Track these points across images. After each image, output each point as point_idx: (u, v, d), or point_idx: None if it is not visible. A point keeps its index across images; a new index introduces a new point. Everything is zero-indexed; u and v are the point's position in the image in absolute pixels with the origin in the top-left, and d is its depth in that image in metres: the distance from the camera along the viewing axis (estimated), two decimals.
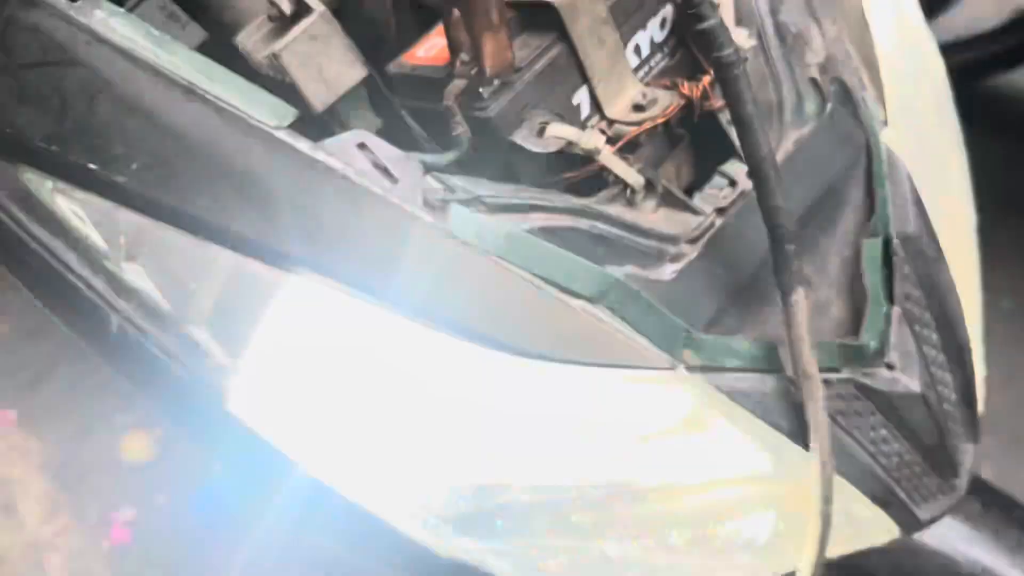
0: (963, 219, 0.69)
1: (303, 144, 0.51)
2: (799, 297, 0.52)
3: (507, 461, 0.55)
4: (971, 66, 1.74)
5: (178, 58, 0.51)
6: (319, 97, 0.54)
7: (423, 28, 0.63)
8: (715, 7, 0.53)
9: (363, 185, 0.50)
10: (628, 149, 0.58)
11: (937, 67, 0.70)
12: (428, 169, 0.53)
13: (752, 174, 0.51)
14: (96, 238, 0.54)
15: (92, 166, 0.51)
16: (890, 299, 0.59)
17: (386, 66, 0.61)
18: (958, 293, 0.63)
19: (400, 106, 0.60)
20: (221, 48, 0.59)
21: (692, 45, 0.56)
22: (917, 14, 0.70)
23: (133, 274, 0.54)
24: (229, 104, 0.51)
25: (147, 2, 0.58)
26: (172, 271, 0.54)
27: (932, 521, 0.65)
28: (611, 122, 0.58)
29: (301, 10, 0.54)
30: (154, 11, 0.59)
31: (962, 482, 0.65)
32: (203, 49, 0.58)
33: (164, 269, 0.54)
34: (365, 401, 0.54)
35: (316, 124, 0.55)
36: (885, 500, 0.61)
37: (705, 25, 0.46)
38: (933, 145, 0.66)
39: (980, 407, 0.67)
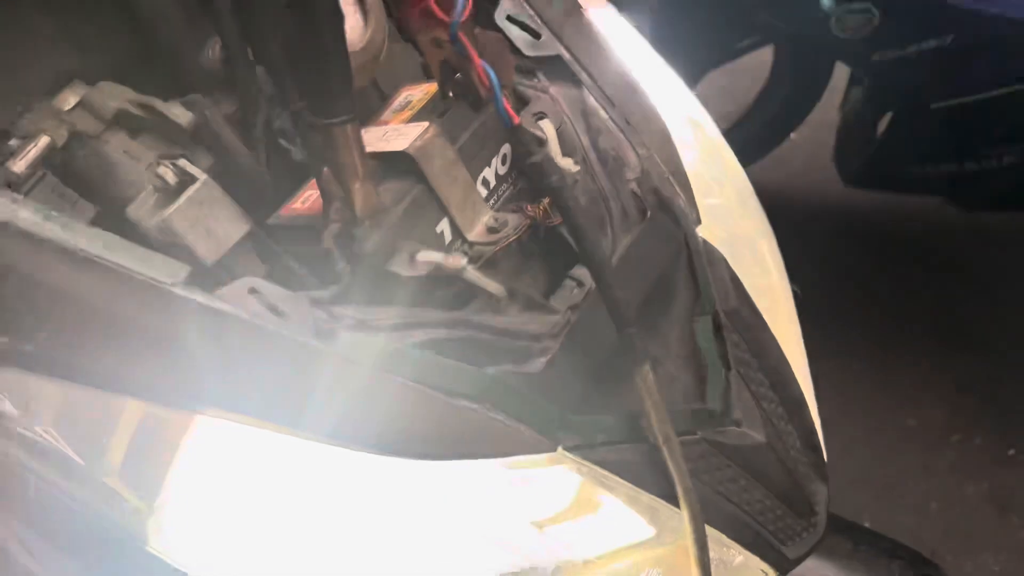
0: (778, 289, 0.80)
1: (199, 295, 0.57)
2: (647, 371, 0.61)
3: (420, 561, 0.61)
4: None
5: (76, 233, 0.57)
6: (209, 253, 0.61)
7: (296, 182, 0.71)
8: (542, 144, 0.64)
9: (258, 325, 0.57)
10: (490, 266, 0.67)
11: (736, 168, 0.84)
12: (315, 303, 0.60)
13: (592, 274, 0.60)
14: (7, 406, 0.57)
15: (2, 339, 0.55)
16: (727, 365, 0.69)
17: (267, 218, 0.68)
18: (784, 353, 0.74)
19: (283, 251, 0.67)
20: (109, 221, 0.65)
21: (527, 176, 0.66)
22: (713, 128, 0.83)
23: (45, 435, 0.58)
24: (128, 268, 0.56)
25: (40, 185, 0.64)
26: (83, 427, 0.58)
27: (800, 560, 0.73)
28: (472, 244, 0.67)
29: (186, 179, 0.61)
30: (47, 192, 0.65)
31: (820, 520, 0.74)
32: (95, 222, 0.64)
33: (75, 426, 0.58)
34: (279, 520, 0.58)
35: (208, 276, 0.62)
36: (754, 543, 0.69)
37: (533, 160, 0.55)
38: (742, 232, 0.78)
39: (823, 452, 0.77)
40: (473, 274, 0.62)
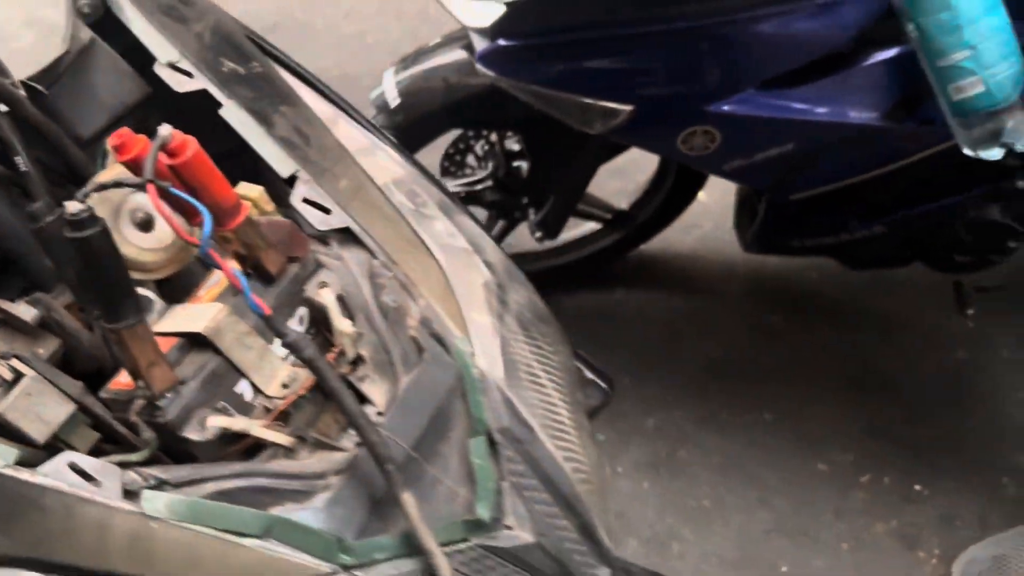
0: (553, 397, 0.93)
1: (24, 473, 0.70)
2: (407, 496, 0.74)
3: None
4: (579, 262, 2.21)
5: None
6: (41, 433, 0.75)
7: None
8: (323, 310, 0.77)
9: (73, 493, 0.70)
10: (295, 411, 0.81)
11: (525, 294, 0.97)
12: (126, 467, 0.73)
13: (350, 422, 0.73)
14: None
15: None
16: (500, 477, 0.82)
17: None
18: (557, 460, 0.86)
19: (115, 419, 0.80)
20: None
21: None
22: (499, 266, 0.97)
23: None
24: None
25: None
26: None
27: None
28: (270, 398, 0.81)
29: (18, 375, 0.75)
30: None
31: None
32: None
33: None
34: None
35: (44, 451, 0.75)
36: None
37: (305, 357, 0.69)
38: (517, 356, 0.91)
39: (606, 540, 0.88)
40: (259, 431, 0.75)
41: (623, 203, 2.18)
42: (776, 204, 1.73)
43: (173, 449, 0.77)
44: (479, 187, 2.02)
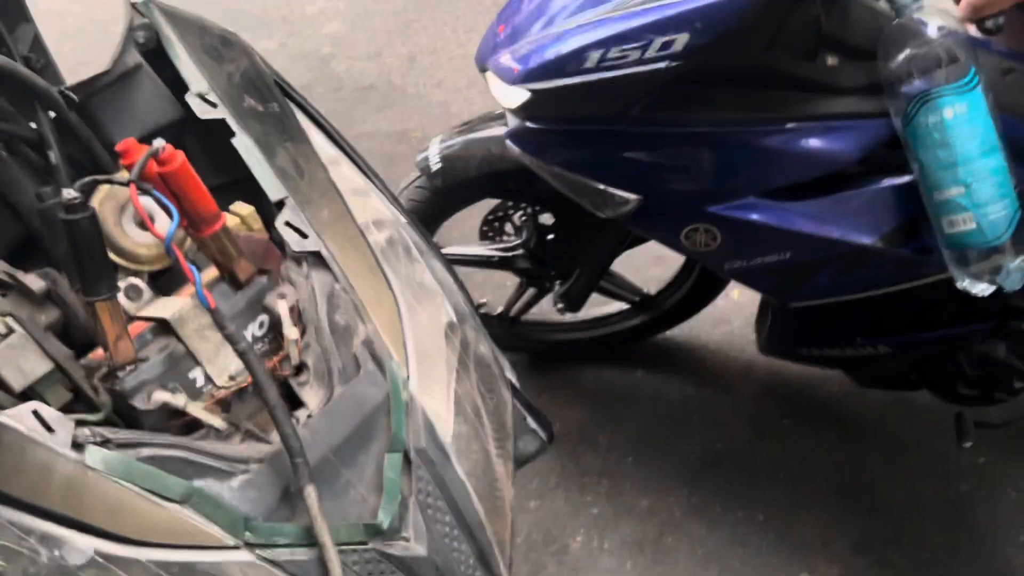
0: (472, 427, 1.00)
1: None
2: (310, 491, 0.82)
3: None
4: (604, 338, 2.29)
5: None
6: (18, 382, 0.87)
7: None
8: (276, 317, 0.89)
9: (28, 435, 0.81)
10: (236, 402, 0.91)
11: (471, 336, 1.06)
12: (82, 424, 0.84)
13: (269, 412, 0.83)
14: None
15: None
16: (408, 492, 0.89)
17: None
18: (466, 485, 0.93)
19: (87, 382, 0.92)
20: None
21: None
22: (448, 307, 1.06)
23: None
24: None
25: None
26: None
27: None
28: (218, 387, 0.91)
29: (9, 331, 0.87)
30: None
31: None
32: None
33: None
34: None
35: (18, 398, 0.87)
36: None
37: (239, 349, 0.80)
38: (440, 384, 0.99)
39: (501, 568, 0.94)
40: (196, 411, 0.86)
41: (653, 289, 2.25)
42: (780, 310, 1.77)
43: (128, 417, 0.88)
44: (512, 254, 2.12)
